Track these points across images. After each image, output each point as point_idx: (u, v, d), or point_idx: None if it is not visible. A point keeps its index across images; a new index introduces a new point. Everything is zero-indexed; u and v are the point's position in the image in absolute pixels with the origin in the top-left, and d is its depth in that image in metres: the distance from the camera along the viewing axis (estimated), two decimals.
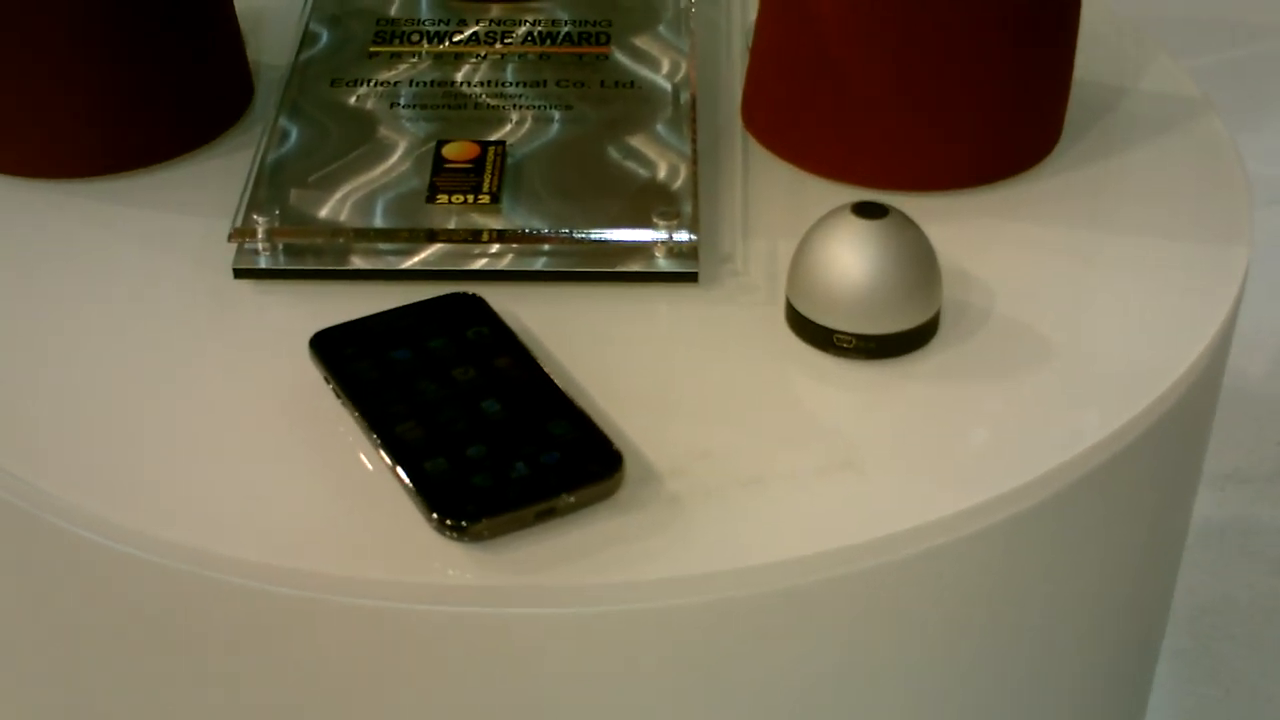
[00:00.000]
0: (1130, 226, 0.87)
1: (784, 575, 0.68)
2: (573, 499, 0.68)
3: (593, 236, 0.82)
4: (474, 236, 0.82)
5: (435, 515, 0.67)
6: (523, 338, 0.76)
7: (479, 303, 0.78)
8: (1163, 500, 0.84)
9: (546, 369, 0.74)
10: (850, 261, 0.75)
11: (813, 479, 0.71)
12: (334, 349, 0.76)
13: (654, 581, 0.67)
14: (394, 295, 0.79)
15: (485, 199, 0.84)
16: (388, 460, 0.70)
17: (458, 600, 0.67)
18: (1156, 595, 0.93)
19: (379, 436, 0.71)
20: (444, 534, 0.67)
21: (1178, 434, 0.81)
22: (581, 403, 0.72)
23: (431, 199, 0.84)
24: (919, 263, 0.76)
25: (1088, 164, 0.92)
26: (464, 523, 0.67)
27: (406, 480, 0.69)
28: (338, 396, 0.74)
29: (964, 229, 0.86)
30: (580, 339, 0.78)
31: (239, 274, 0.82)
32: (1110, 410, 0.75)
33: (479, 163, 0.86)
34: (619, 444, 0.70)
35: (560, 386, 0.73)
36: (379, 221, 0.83)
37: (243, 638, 0.71)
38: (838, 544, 0.68)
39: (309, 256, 0.82)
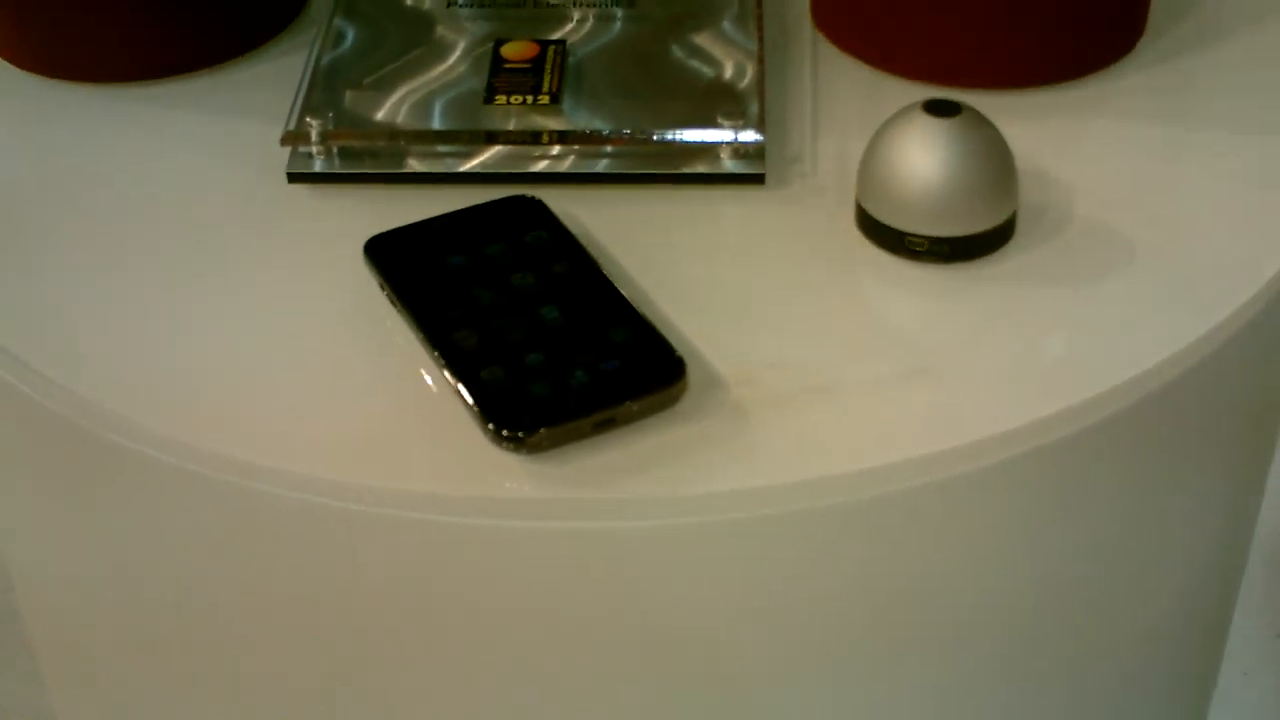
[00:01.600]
0: (1217, 123, 0.83)
1: (857, 486, 0.66)
2: (635, 407, 0.66)
3: (656, 137, 0.79)
4: (533, 138, 0.79)
5: (491, 426, 0.65)
6: (583, 242, 0.74)
7: (538, 206, 0.76)
8: (1254, 410, 0.81)
9: (608, 274, 0.72)
10: (922, 161, 0.72)
11: (886, 387, 0.69)
12: (389, 254, 0.74)
13: (722, 493, 0.65)
14: (452, 199, 0.77)
15: (545, 99, 0.81)
16: (443, 370, 0.68)
17: (515, 514, 0.65)
18: (1244, 520, 0.90)
19: (434, 344, 0.69)
20: (501, 445, 0.65)
21: (1270, 335, 0.77)
22: (644, 309, 0.70)
23: (490, 100, 0.81)
24: (994, 162, 0.73)
25: (1171, 60, 0.88)
26: (521, 433, 0.65)
27: (462, 390, 0.67)
28: (393, 304, 0.72)
29: (1042, 128, 0.82)
30: (642, 243, 0.76)
31: (293, 178, 0.80)
32: (1199, 312, 0.72)
33: (538, 62, 0.83)
34: (682, 351, 0.68)
35: (622, 292, 0.71)
36: (436, 124, 0.80)
37: (292, 553, 0.69)
38: (913, 453, 0.66)
39: (364, 160, 0.80)
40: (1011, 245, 0.76)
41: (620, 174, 0.79)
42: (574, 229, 0.75)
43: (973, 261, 0.75)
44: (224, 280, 0.75)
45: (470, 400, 0.66)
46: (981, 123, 0.73)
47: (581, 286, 0.71)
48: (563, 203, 0.76)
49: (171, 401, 0.69)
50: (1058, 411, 0.68)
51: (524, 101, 0.81)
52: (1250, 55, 0.88)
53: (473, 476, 0.65)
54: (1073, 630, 0.78)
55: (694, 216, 0.78)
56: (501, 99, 0.81)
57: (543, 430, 0.65)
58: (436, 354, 0.69)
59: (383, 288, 0.72)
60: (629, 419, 0.66)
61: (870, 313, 0.73)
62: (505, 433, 0.65)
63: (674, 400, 0.67)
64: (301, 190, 0.80)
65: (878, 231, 0.75)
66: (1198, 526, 0.82)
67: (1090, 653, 0.80)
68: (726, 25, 0.87)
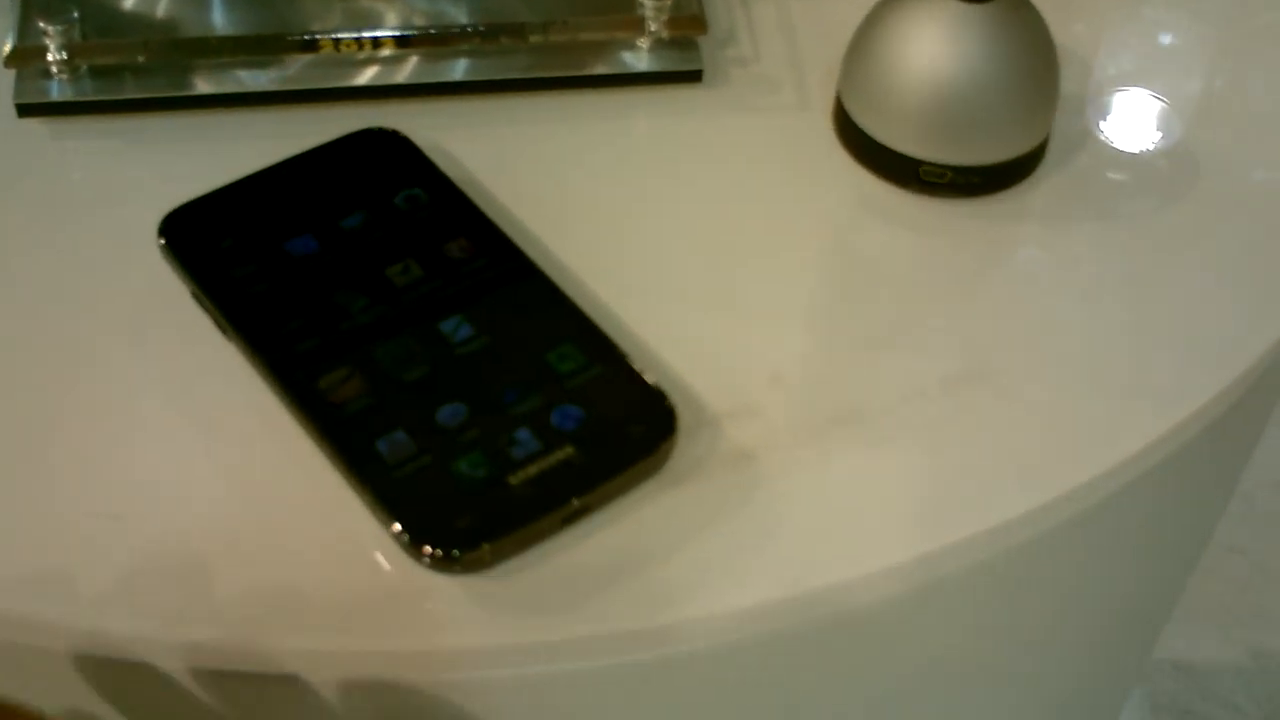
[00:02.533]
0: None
1: (918, 570, 0.46)
2: (613, 486, 0.45)
3: (549, 29, 0.56)
4: (365, 39, 0.56)
5: (408, 538, 0.43)
6: (475, 194, 0.52)
7: (402, 144, 0.53)
8: None
9: (528, 251, 0.50)
10: (949, 62, 0.52)
11: (936, 402, 0.49)
12: (196, 238, 0.50)
13: (733, 613, 0.45)
14: (260, 129, 0.54)
15: None
16: (313, 434, 0.46)
17: (459, 666, 0.44)
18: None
19: (291, 391, 0.46)
20: (417, 560, 0.44)
21: None
22: (585, 304, 0.48)
23: None
24: (1040, 61, 0.53)
25: None
26: (456, 550, 0.43)
27: (352, 473, 0.45)
28: (215, 321, 0.49)
29: None
30: (535, 185, 0.53)
31: (24, 111, 0.55)
32: None
33: None
34: (647, 371, 0.47)
35: (555, 282, 0.49)
36: (225, 22, 0.56)
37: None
38: (994, 516, 0.47)
39: (125, 79, 0.55)
40: (1044, 165, 0.56)
41: (496, 80, 0.56)
42: (455, 172, 0.53)
43: (1000, 193, 0.55)
44: None
45: (367, 492, 0.44)
46: (1022, 6, 0.53)
47: (492, 276, 0.49)
48: (411, 126, 0.54)
49: None
50: (1182, 418, 0.49)
51: None
52: None
53: (385, 613, 0.44)
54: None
55: (601, 138, 0.56)
56: None
57: (485, 542, 0.43)
58: (298, 408, 0.46)
59: (195, 296, 0.49)
60: (603, 503, 0.45)
61: (886, 277, 0.52)
62: (434, 552, 0.43)
63: (659, 465, 0.46)
64: (38, 128, 0.55)
65: (875, 155, 0.54)
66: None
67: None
68: None
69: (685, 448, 0.46)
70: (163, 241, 0.50)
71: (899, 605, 0.46)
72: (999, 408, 0.49)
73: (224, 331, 0.48)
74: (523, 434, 0.45)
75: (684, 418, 0.46)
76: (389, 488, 0.44)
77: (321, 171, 0.52)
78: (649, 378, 0.46)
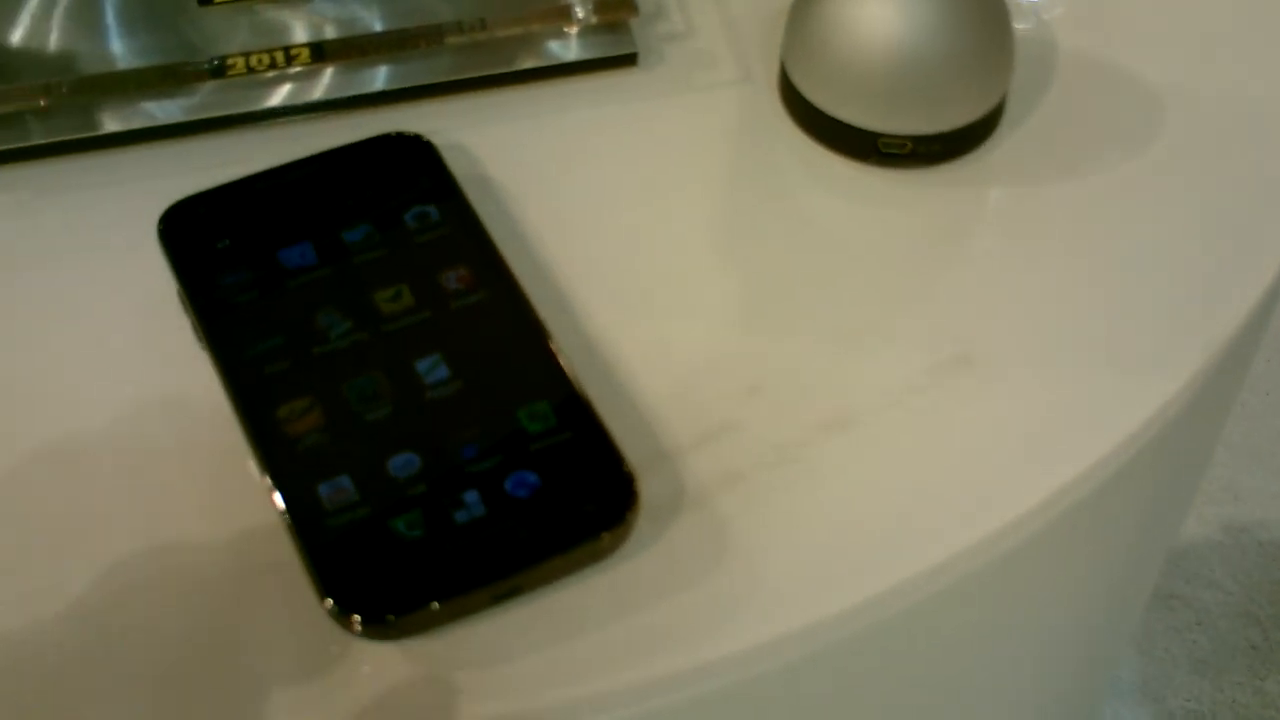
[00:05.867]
0: None
1: (924, 582, 0.44)
2: (556, 566, 0.42)
3: (470, 26, 0.53)
4: (277, 54, 0.52)
5: (332, 604, 0.41)
6: (491, 212, 0.49)
7: (426, 155, 0.50)
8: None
9: (524, 288, 0.47)
10: (902, 30, 0.49)
11: (926, 398, 0.46)
12: (195, 236, 0.47)
13: (764, 644, 0.43)
14: (177, 162, 0.51)
15: None
16: (259, 469, 0.43)
17: None
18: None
19: (247, 419, 0.44)
20: (346, 629, 0.41)
21: None
22: (565, 361, 0.45)
23: None
24: (993, 19, 0.50)
25: None
26: (367, 619, 0.41)
27: (286, 519, 0.42)
28: (193, 328, 0.46)
29: None
30: (480, 193, 0.50)
31: None
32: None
33: None
34: (613, 394, 0.45)
35: (547, 328, 0.46)
36: (125, 53, 0.52)
37: None
38: (1006, 513, 0.44)
39: (30, 125, 0.51)
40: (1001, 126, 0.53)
41: (420, 86, 0.53)
42: (473, 180, 0.50)
43: (959, 159, 0.52)
44: None
45: (299, 545, 0.42)
46: None
47: (484, 315, 0.46)
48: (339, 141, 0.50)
49: None
50: (1178, 388, 0.47)
51: None
52: None
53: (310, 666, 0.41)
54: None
55: (544, 136, 0.53)
56: None
57: (403, 614, 0.41)
58: (250, 435, 0.44)
59: (180, 297, 0.47)
60: (541, 583, 0.42)
61: (849, 260, 0.50)
62: (350, 616, 0.41)
63: (616, 545, 0.43)
64: None
65: (829, 129, 0.51)
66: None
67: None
68: None
69: (668, 478, 0.44)
70: (160, 235, 0.47)
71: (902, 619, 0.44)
72: (988, 396, 0.46)
73: (199, 339, 0.46)
74: (470, 496, 0.42)
75: (659, 446, 0.44)
76: (319, 539, 0.42)
77: (337, 175, 0.49)
78: (620, 452, 0.43)
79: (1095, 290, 0.49)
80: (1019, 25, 0.55)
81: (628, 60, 0.54)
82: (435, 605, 0.41)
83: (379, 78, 0.53)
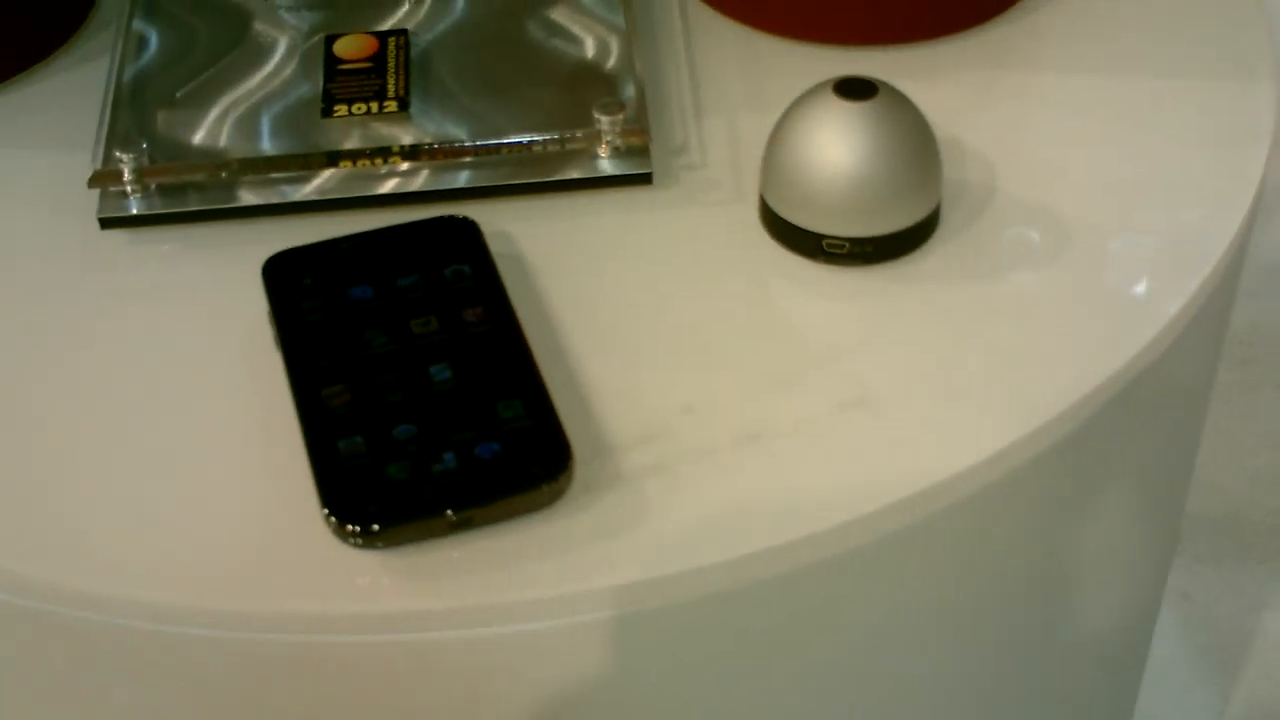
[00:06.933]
0: (1135, 68, 0.75)
1: (805, 551, 0.57)
2: (501, 509, 0.56)
3: (524, 142, 0.69)
4: (382, 155, 0.69)
5: (328, 514, 0.56)
6: (515, 275, 0.65)
7: (471, 231, 0.65)
8: (1204, 381, 0.74)
9: (523, 325, 0.62)
10: (839, 154, 0.63)
11: (823, 426, 0.60)
12: (288, 278, 0.64)
13: (652, 580, 0.56)
14: (294, 232, 0.66)
15: (391, 105, 0.70)
16: (300, 425, 0.59)
17: (360, 628, 0.56)
18: (1182, 486, 0.83)
19: (298, 399, 0.59)
20: (342, 539, 0.56)
21: (1223, 305, 0.70)
22: (550, 375, 0.60)
23: (328, 112, 0.70)
24: (919, 147, 0.64)
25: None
26: (358, 527, 0.55)
27: (310, 460, 0.57)
28: (275, 342, 0.62)
29: (944, 88, 0.73)
30: (517, 267, 0.66)
31: (106, 223, 0.68)
32: (1159, 292, 0.64)
33: (379, 60, 0.72)
34: (583, 408, 0.59)
35: (531, 351, 0.61)
36: (268, 144, 0.69)
37: (134, 683, 0.59)
38: (863, 508, 0.57)
39: (189, 195, 0.69)
40: (935, 235, 0.67)
41: (485, 186, 0.69)
42: (510, 258, 0.66)
43: (897, 259, 0.66)
44: (40, 361, 0.64)
45: (315, 477, 0.57)
46: (901, 102, 0.64)
47: (488, 341, 0.61)
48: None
49: None
50: (1023, 435, 0.59)
51: (367, 110, 0.70)
52: None
53: (327, 579, 0.56)
54: (1019, 659, 0.70)
55: (574, 230, 0.68)
56: (342, 109, 0.70)
57: (385, 527, 0.55)
58: (298, 411, 0.59)
59: (270, 318, 0.63)
60: (493, 520, 0.56)
61: (792, 332, 0.63)
62: (345, 525, 0.55)
63: (552, 499, 0.57)
64: (119, 237, 0.68)
65: (789, 234, 0.66)
66: (1157, 512, 0.75)
67: (1028, 677, 0.73)
68: None
69: (608, 465, 0.58)
70: (263, 272, 0.64)
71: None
72: (874, 428, 0.59)
73: (276, 344, 0.61)
74: (448, 456, 0.57)
75: (606, 442, 0.58)
76: (331, 474, 0.56)
77: (401, 241, 0.65)
78: (565, 435, 0.57)
79: (975, 348, 0.62)
80: (968, 174, 0.69)
81: (645, 179, 0.69)
82: (409, 524, 0.55)
83: (458, 178, 0.69)
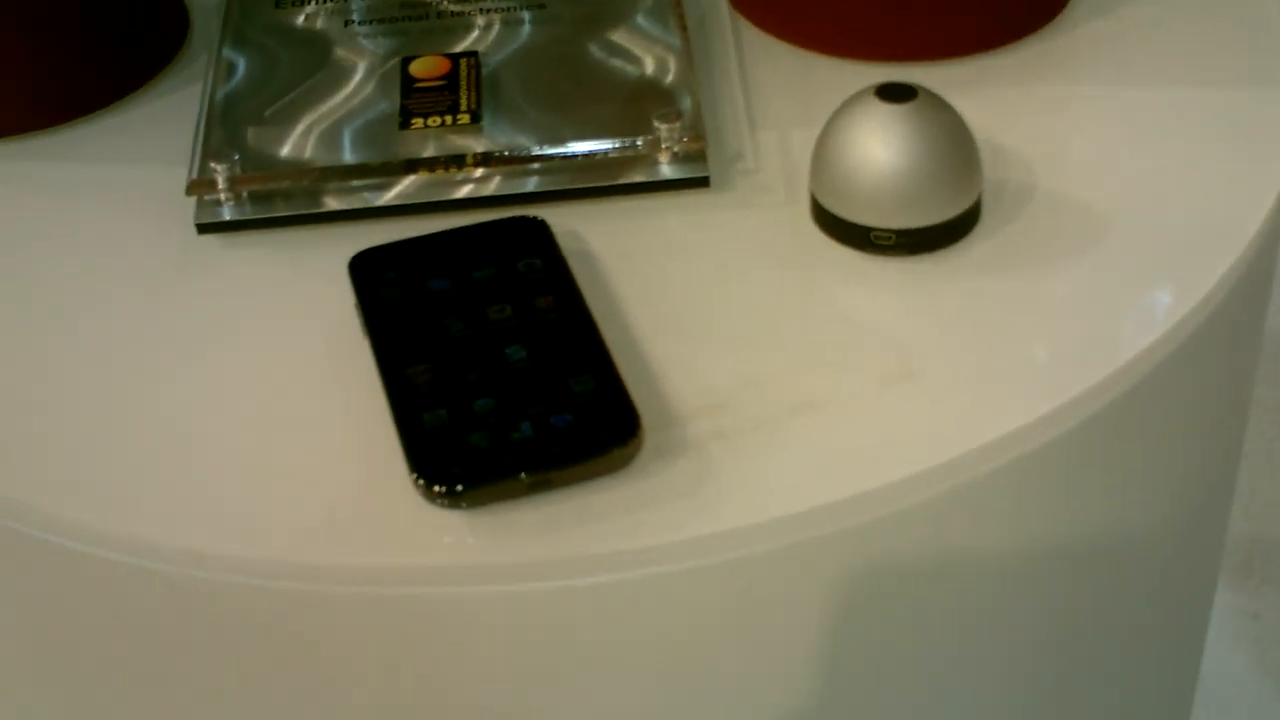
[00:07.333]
0: (1160, 77, 0.80)
1: (859, 509, 0.61)
2: (575, 472, 0.61)
3: (588, 150, 0.74)
4: (457, 163, 0.74)
5: (416, 476, 0.60)
6: (584, 270, 0.69)
7: (541, 229, 0.70)
8: (1242, 368, 0.78)
9: (594, 312, 0.66)
10: (883, 151, 0.68)
11: (873, 397, 0.64)
12: (371, 272, 0.69)
13: (722, 533, 0.60)
14: (376, 234, 0.71)
15: (464, 119, 0.75)
16: (388, 402, 0.63)
17: (447, 580, 0.60)
18: (1227, 484, 0.86)
19: (386, 379, 0.64)
20: (429, 500, 0.60)
21: (1254, 296, 0.74)
22: (619, 355, 0.65)
23: (405, 125, 0.75)
24: (957, 144, 0.69)
25: (1103, 16, 0.84)
26: (444, 488, 0.60)
27: (398, 430, 0.62)
28: (363, 330, 0.67)
29: (986, 98, 0.78)
30: (586, 263, 0.70)
31: (203, 229, 0.73)
32: (1187, 280, 0.69)
33: (452, 78, 0.78)
34: (651, 384, 0.63)
35: (601, 335, 0.65)
36: (349, 155, 0.75)
37: (230, 637, 0.64)
38: (913, 468, 0.62)
39: (276, 201, 0.74)
40: (978, 229, 0.71)
41: (553, 190, 0.74)
42: (579, 254, 0.70)
43: (941, 251, 0.70)
44: (149, 351, 0.69)
45: (403, 445, 0.62)
46: (939, 104, 0.69)
47: (559, 325, 0.66)
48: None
49: (105, 492, 0.63)
50: (1058, 406, 0.64)
51: (442, 123, 0.75)
52: (1182, 6, 0.85)
53: (405, 535, 0.60)
54: (1069, 634, 0.74)
55: (638, 229, 0.73)
56: (418, 122, 0.75)
57: (470, 488, 0.60)
58: (385, 388, 0.64)
59: (357, 310, 0.67)
60: (568, 482, 0.61)
61: (842, 316, 0.68)
62: (434, 487, 0.60)
63: (623, 463, 0.61)
64: (215, 241, 0.73)
65: (839, 228, 0.70)
66: (1188, 506, 0.79)
67: (1082, 655, 0.76)
68: (641, 19, 0.82)
69: (674, 433, 0.62)
70: (349, 267, 0.69)
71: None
72: (923, 402, 0.64)
73: (364, 331, 0.66)
74: (525, 426, 0.61)
75: (671, 412, 0.63)
76: (418, 444, 0.61)
77: (476, 238, 0.70)
78: (634, 405, 0.62)
79: (1013, 331, 0.66)
80: (1009, 174, 0.74)
81: (703, 182, 0.74)
82: (490, 485, 0.60)
83: (527, 183, 0.74)
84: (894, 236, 0.69)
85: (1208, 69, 0.80)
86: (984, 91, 0.79)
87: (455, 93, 0.77)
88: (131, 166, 0.78)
